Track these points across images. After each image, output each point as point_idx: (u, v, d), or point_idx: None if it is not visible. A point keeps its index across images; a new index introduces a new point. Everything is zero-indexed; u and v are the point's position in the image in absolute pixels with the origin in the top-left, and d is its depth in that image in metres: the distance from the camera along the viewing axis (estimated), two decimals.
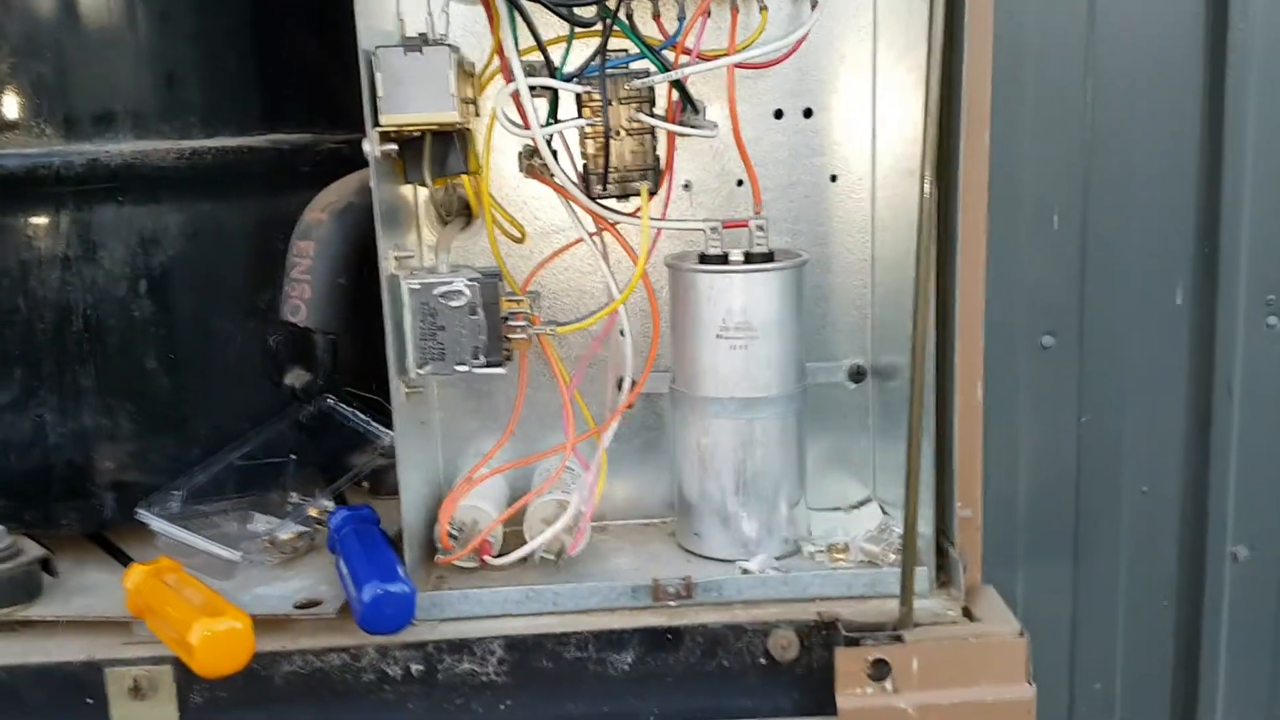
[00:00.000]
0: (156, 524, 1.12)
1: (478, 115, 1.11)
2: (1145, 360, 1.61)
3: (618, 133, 1.08)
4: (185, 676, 1.02)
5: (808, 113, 1.19)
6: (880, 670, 1.00)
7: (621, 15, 1.03)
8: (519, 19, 1.01)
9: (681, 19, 1.06)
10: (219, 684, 1.02)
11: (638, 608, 1.08)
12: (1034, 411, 1.62)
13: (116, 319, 1.15)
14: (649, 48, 1.05)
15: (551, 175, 1.08)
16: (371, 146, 1.01)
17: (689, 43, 1.06)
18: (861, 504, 1.25)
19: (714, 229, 1.10)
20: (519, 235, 1.18)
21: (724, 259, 1.10)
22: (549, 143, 1.06)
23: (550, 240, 1.20)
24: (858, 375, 1.23)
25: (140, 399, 1.18)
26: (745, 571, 1.10)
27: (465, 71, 1.05)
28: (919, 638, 1.01)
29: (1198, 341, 1.61)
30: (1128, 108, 1.54)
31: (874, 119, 1.18)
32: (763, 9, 1.09)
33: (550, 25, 1.03)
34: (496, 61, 1.05)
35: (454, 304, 1.05)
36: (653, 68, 1.06)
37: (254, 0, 1.21)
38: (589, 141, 1.09)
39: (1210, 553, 1.64)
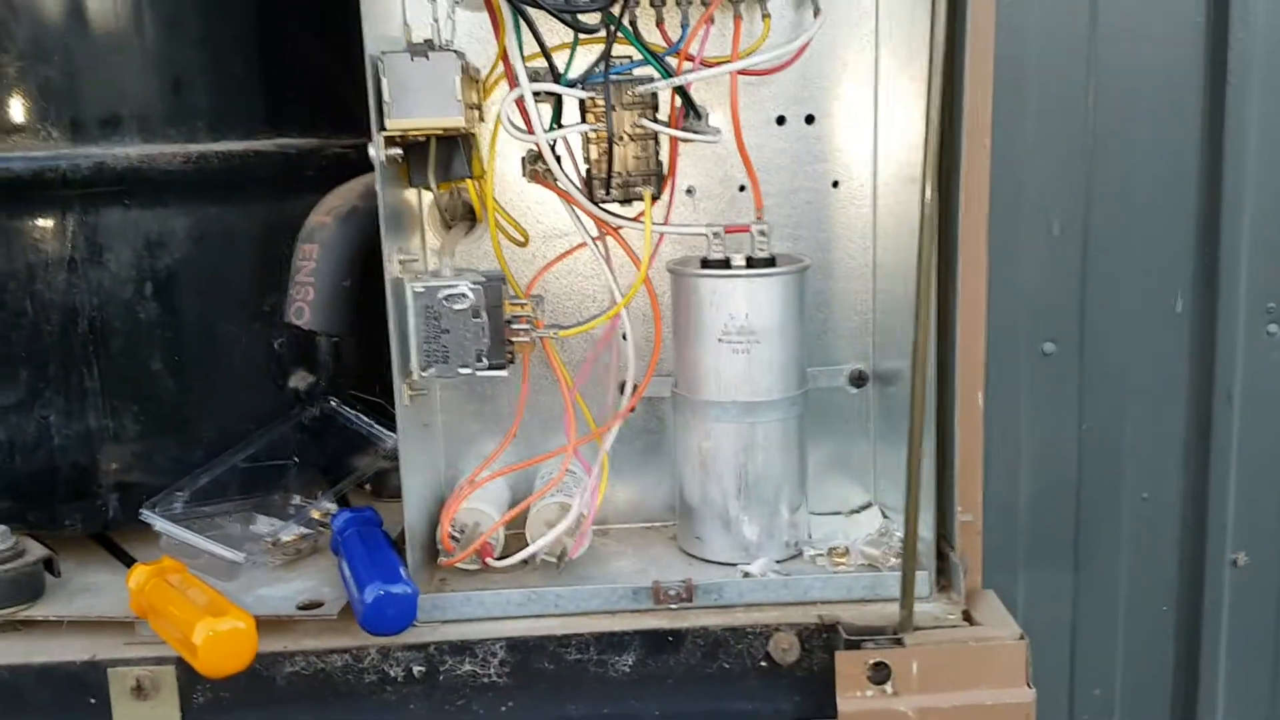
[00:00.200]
0: (160, 525, 1.13)
1: (482, 120, 1.12)
2: (1146, 367, 1.62)
3: (621, 138, 1.08)
4: (188, 676, 1.02)
5: (810, 119, 1.20)
6: (881, 673, 1.00)
7: (625, 22, 1.04)
8: (524, 25, 1.02)
9: (685, 26, 1.07)
10: (221, 684, 1.02)
11: (639, 610, 1.08)
12: (1035, 418, 1.62)
13: (122, 321, 1.16)
14: (653, 54, 1.06)
15: (555, 180, 1.09)
16: (377, 151, 1.01)
17: (692, 49, 1.07)
18: (862, 508, 1.25)
19: (716, 234, 1.10)
20: (522, 239, 1.19)
21: (726, 264, 1.10)
22: (553, 148, 1.07)
23: (553, 244, 1.20)
24: (859, 380, 1.24)
25: (145, 401, 1.18)
26: (746, 575, 1.11)
27: (470, 77, 1.06)
28: (919, 641, 1.02)
29: (1198, 348, 1.61)
30: (1129, 115, 1.55)
31: (876, 126, 1.19)
32: (766, 16, 1.09)
33: (554, 31, 1.04)
34: (501, 67, 1.06)
35: (458, 307, 1.05)
36: (656, 74, 1.07)
37: (260, 5, 1.21)
38: (592, 146, 1.10)
39: (1210, 559, 1.65)
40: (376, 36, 1.01)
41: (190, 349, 1.19)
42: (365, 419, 1.28)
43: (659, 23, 1.09)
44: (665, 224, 1.14)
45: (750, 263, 1.10)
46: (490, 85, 1.12)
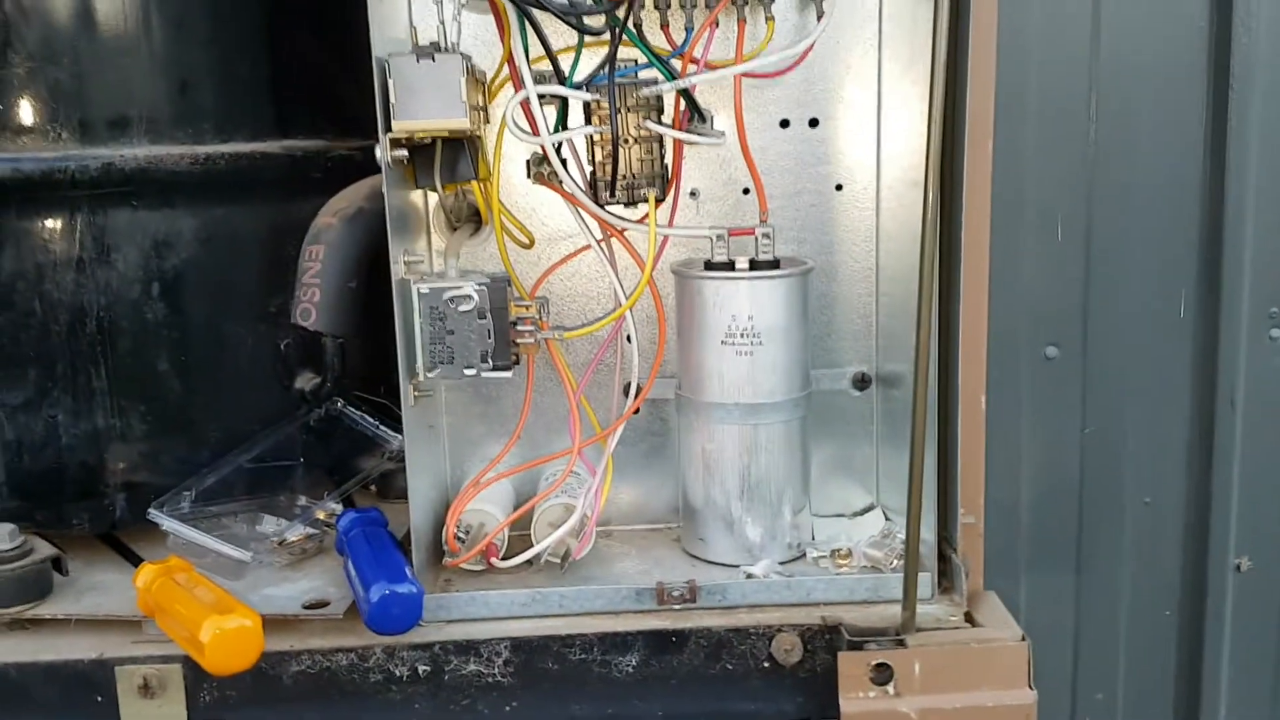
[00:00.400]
0: (168, 524, 1.13)
1: (488, 122, 1.12)
2: (1148, 371, 1.62)
3: (626, 140, 1.09)
4: (194, 675, 1.03)
5: (813, 122, 1.20)
6: (883, 674, 1.01)
7: (630, 25, 1.04)
8: (529, 28, 1.02)
9: (689, 29, 1.08)
10: (227, 683, 1.03)
11: (642, 611, 1.09)
12: (1037, 422, 1.62)
13: (129, 322, 1.17)
14: (657, 57, 1.07)
15: (560, 182, 1.09)
16: (383, 152, 1.02)
17: (697, 52, 1.07)
18: (865, 510, 1.25)
19: (720, 236, 1.11)
20: (527, 241, 1.19)
21: (730, 266, 1.11)
22: (558, 150, 1.07)
23: (558, 246, 1.21)
24: (862, 383, 1.24)
25: (152, 401, 1.19)
26: (749, 576, 1.11)
27: (476, 79, 1.06)
28: (921, 642, 1.02)
29: (1200, 353, 1.61)
30: (1131, 118, 1.55)
31: (879, 129, 1.19)
32: (769, 20, 1.10)
33: (560, 34, 1.05)
34: (506, 70, 1.06)
35: (463, 308, 1.06)
36: (661, 76, 1.07)
37: (267, 8, 1.22)
38: (597, 149, 1.10)
39: (1212, 563, 1.65)
40: (383, 39, 1.02)
41: (197, 349, 1.20)
42: (371, 420, 1.29)
43: (664, 26, 1.10)
44: (669, 226, 1.14)
45: (754, 265, 1.11)
46: (496, 87, 1.12)
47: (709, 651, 1.06)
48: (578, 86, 1.05)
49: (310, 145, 1.24)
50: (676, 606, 1.09)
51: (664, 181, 1.12)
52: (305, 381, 1.25)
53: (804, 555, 1.16)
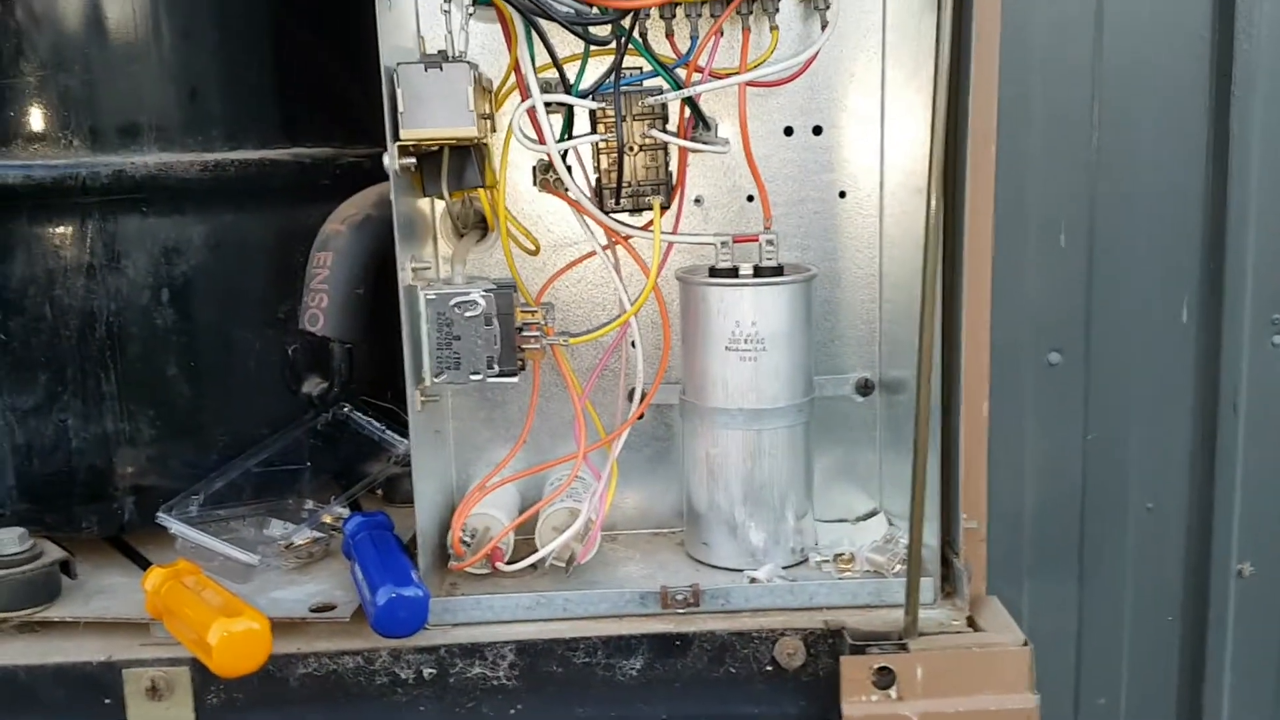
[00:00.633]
0: (176, 527, 1.14)
1: (494, 130, 1.13)
2: (1151, 377, 1.62)
3: (631, 148, 1.10)
4: (201, 677, 1.03)
5: (817, 130, 1.21)
6: (885, 678, 1.01)
7: (636, 34, 1.05)
8: (536, 37, 1.03)
9: (694, 38, 1.08)
10: (234, 685, 1.03)
11: (646, 614, 1.09)
12: (1040, 428, 1.63)
13: (139, 327, 1.18)
14: (662, 65, 1.08)
15: (566, 189, 1.10)
16: (391, 160, 1.02)
17: (701, 61, 1.08)
18: (868, 515, 1.26)
19: (724, 243, 1.12)
20: (533, 248, 1.20)
21: (734, 272, 1.12)
22: (564, 158, 1.08)
23: (564, 253, 1.21)
24: (865, 389, 1.24)
25: (161, 406, 1.20)
26: (753, 580, 1.12)
27: (483, 88, 1.07)
28: (924, 646, 1.02)
29: (1203, 359, 1.62)
30: (1133, 125, 1.55)
31: (882, 137, 1.20)
32: (774, 29, 1.11)
33: (566, 43, 1.06)
34: (513, 78, 1.07)
35: (469, 314, 1.06)
36: (666, 85, 1.08)
37: (276, 16, 1.23)
38: (603, 157, 1.11)
39: (1215, 569, 1.65)
40: (391, 48, 1.02)
41: (206, 354, 1.21)
42: (377, 425, 1.29)
43: (669, 35, 1.10)
44: (674, 233, 1.15)
45: (758, 271, 1.11)
46: (502, 96, 1.13)
47: (712, 655, 1.06)
48: (583, 95, 1.06)
49: (319, 152, 1.25)
50: (680, 610, 1.09)
51: (669, 189, 1.12)
52: (313, 386, 1.25)
53: (807, 560, 1.16)
